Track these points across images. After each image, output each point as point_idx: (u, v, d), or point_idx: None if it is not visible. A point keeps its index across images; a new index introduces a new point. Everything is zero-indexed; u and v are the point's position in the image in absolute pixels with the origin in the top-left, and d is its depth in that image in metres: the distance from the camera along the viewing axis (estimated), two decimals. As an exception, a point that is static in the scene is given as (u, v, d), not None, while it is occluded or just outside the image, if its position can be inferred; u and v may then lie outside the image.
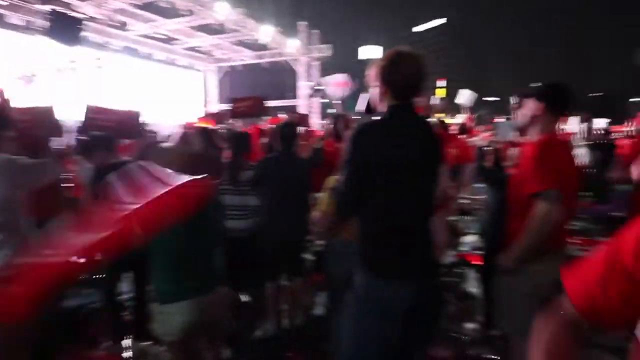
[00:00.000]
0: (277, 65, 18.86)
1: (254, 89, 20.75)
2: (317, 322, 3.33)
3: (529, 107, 2.07)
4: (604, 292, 0.69)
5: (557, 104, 2.06)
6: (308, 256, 3.58)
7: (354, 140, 1.63)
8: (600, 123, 10.23)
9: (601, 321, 0.72)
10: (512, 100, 2.30)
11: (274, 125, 4.45)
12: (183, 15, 12.98)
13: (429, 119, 1.78)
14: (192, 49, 17.19)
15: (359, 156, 1.62)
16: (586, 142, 6.29)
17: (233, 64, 18.46)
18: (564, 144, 2.17)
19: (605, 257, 0.72)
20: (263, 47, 17.49)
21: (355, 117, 4.26)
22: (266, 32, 15.53)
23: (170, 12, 13.25)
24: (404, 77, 1.63)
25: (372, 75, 1.71)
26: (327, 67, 17.86)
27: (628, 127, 7.42)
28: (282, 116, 6.89)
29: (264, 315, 3.28)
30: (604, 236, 4.79)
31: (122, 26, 13.56)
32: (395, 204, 1.63)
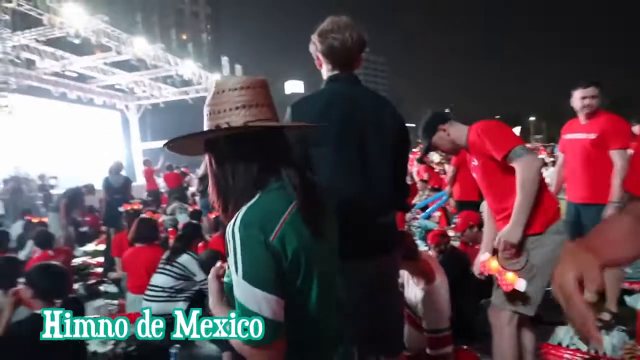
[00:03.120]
0: (202, 101, 18.61)
1: (178, 126, 20.15)
2: None
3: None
4: None
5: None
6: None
7: (292, 113, 1.54)
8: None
9: None
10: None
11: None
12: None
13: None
14: (110, 86, 16.39)
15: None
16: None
17: (155, 101, 17.88)
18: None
19: None
20: (185, 84, 17.26)
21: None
22: (188, 67, 15.38)
23: (83, 49, 12.62)
24: (334, 46, 1.57)
25: (311, 49, 1.66)
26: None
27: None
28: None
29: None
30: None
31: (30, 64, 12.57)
32: (341, 179, 1.52)
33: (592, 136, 2.86)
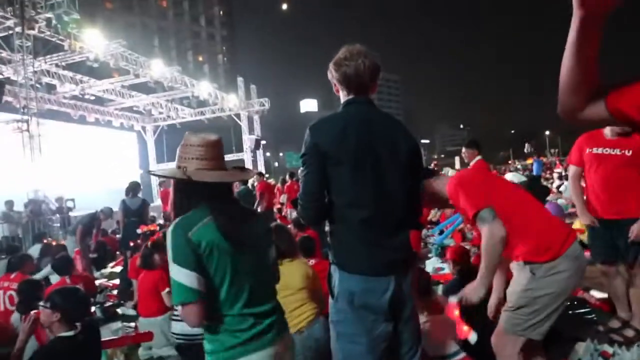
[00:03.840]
0: (217, 121, 18.85)
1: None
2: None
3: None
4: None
5: None
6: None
7: (311, 134, 1.61)
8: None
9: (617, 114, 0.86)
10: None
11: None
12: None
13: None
14: (128, 109, 16.70)
15: (318, 151, 1.59)
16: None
17: (172, 122, 18.15)
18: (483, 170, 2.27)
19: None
20: (201, 105, 17.50)
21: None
22: (204, 88, 15.58)
23: (102, 73, 12.90)
24: (347, 72, 1.66)
25: (329, 76, 1.75)
26: (270, 121, 18.12)
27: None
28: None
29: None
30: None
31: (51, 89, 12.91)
32: (357, 197, 1.60)
33: (628, 153, 2.87)
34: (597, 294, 3.49)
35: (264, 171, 19.67)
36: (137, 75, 12.70)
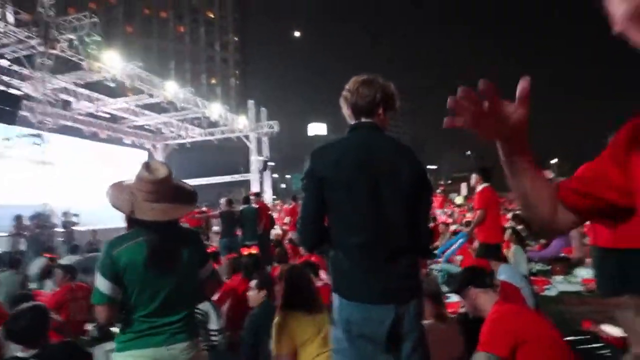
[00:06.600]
0: (227, 142, 19.11)
1: (203, 165, 20.64)
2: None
3: None
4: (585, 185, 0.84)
5: None
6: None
7: (310, 160, 1.64)
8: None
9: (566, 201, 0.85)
10: None
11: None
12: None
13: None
14: (139, 127, 17.05)
15: (315, 176, 1.61)
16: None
17: (182, 141, 18.45)
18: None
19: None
20: (212, 125, 17.80)
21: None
22: (215, 109, 15.91)
23: (116, 91, 13.26)
24: (350, 101, 1.71)
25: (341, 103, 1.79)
26: (278, 143, 18.30)
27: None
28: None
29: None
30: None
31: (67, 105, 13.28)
32: (352, 223, 1.58)
33: None
34: (608, 329, 3.30)
35: (271, 192, 19.76)
36: (151, 95, 13.03)
